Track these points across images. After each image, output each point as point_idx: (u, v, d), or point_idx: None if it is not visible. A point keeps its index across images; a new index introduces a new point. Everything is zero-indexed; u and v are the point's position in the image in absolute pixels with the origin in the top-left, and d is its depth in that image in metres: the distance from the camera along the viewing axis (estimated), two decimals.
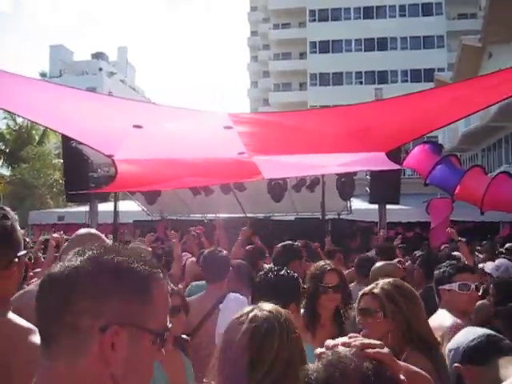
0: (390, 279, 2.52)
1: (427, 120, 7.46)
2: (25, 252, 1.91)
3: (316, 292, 3.22)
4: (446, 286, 3.03)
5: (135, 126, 7.25)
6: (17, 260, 1.82)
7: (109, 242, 2.76)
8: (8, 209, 1.91)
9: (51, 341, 1.07)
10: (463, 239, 6.70)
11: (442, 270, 3.12)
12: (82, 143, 8.96)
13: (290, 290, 2.74)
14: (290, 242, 5.25)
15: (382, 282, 2.49)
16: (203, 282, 4.68)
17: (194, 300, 4.13)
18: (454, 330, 2.62)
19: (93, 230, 2.85)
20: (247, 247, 6.53)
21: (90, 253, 1.11)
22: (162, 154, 7.69)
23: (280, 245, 5.14)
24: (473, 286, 2.99)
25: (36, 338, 1.40)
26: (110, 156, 7.62)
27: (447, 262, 3.35)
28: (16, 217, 1.91)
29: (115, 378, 1.05)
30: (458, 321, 2.83)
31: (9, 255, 1.80)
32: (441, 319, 2.89)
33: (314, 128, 7.70)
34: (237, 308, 3.67)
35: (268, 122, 8.20)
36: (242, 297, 3.88)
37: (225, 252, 4.58)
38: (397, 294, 2.40)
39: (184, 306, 3.10)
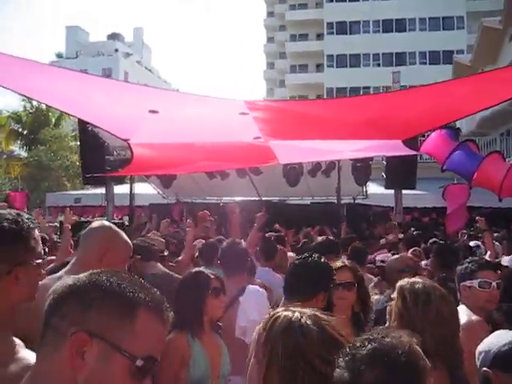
0: (414, 284, 2.42)
1: (446, 110, 7.37)
2: (39, 261, 1.73)
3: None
4: (467, 283, 3.02)
5: (151, 111, 7.27)
6: (18, 269, 1.64)
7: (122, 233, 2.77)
8: (26, 215, 1.77)
9: (41, 341, 1.17)
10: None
11: (464, 265, 3.12)
12: (97, 127, 9.00)
13: (320, 279, 2.79)
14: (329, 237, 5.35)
15: (402, 284, 2.44)
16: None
17: None
18: (466, 328, 2.62)
19: (106, 224, 2.84)
20: (267, 234, 6.52)
21: (94, 271, 1.21)
22: (177, 138, 7.71)
23: (320, 239, 5.25)
24: (494, 284, 2.97)
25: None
26: (125, 140, 7.66)
27: (470, 258, 3.34)
28: (33, 224, 1.74)
29: None
30: (474, 317, 2.82)
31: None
32: None
33: (331, 116, 7.66)
34: (256, 301, 3.71)
35: (284, 109, 8.17)
36: (260, 289, 3.91)
37: (243, 243, 4.58)
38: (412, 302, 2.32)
39: (223, 289, 3.19)
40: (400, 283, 2.45)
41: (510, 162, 9.36)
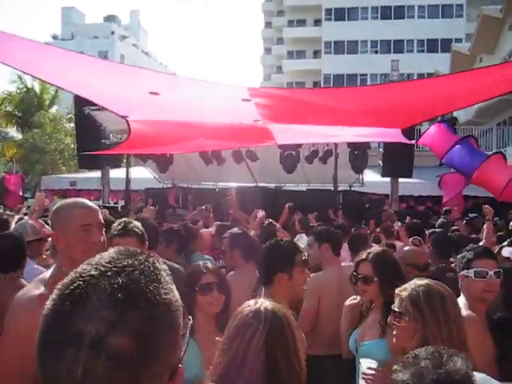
0: (425, 283, 2.35)
1: (444, 103, 7.37)
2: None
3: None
4: (464, 272, 2.98)
5: (152, 93, 7.23)
6: None
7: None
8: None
9: None
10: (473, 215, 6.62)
11: (462, 254, 3.08)
12: (95, 104, 8.96)
13: (274, 261, 2.97)
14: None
15: (413, 284, 2.37)
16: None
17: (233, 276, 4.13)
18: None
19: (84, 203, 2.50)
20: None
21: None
22: (177, 117, 7.71)
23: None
24: (491, 273, 2.88)
25: None
26: (124, 117, 7.64)
27: (470, 245, 3.30)
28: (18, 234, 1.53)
29: None
30: (465, 313, 2.70)
31: None
32: None
33: (332, 105, 7.66)
34: None
35: (285, 97, 8.16)
36: None
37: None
38: (424, 302, 2.26)
39: (219, 283, 2.98)
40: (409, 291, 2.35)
41: None
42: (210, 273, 2.99)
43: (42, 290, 2.21)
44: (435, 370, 1.27)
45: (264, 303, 1.91)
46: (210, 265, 3.10)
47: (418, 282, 2.36)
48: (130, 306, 0.81)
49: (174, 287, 0.93)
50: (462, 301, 2.83)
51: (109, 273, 0.84)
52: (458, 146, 9.17)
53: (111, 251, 0.91)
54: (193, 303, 2.85)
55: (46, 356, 0.81)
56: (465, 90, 7.00)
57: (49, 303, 0.84)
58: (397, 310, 2.33)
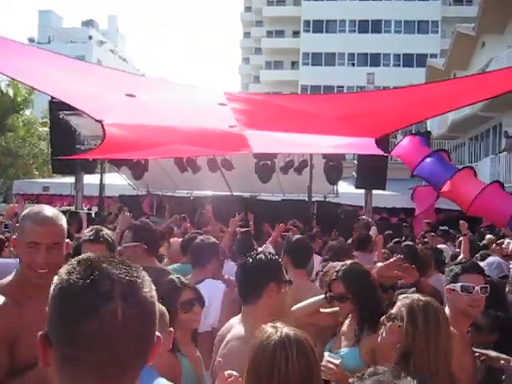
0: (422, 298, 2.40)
1: (417, 110, 7.50)
2: None
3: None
4: (451, 286, 2.97)
5: (128, 95, 7.20)
6: None
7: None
8: None
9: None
10: (448, 231, 6.72)
11: (450, 268, 3.09)
12: (71, 108, 8.87)
13: (261, 275, 2.79)
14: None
15: (416, 296, 2.43)
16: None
17: None
18: None
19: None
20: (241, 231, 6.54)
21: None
22: (152, 121, 7.67)
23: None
24: (477, 288, 2.90)
25: None
26: (99, 121, 7.58)
27: (459, 259, 3.35)
28: None
29: None
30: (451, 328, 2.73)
31: None
32: None
33: (308, 111, 7.72)
34: (209, 292, 3.71)
35: (262, 102, 8.22)
36: (219, 282, 3.95)
37: (212, 238, 4.62)
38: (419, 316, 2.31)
39: (198, 298, 2.95)
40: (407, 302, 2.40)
41: (483, 182, 9.42)
42: (187, 288, 2.93)
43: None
44: (394, 380, 1.29)
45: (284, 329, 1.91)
46: (183, 279, 3.01)
47: (420, 296, 2.42)
48: (138, 277, 1.09)
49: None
50: None
51: (110, 259, 1.10)
52: (429, 158, 9.31)
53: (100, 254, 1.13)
54: (173, 321, 2.60)
55: (76, 319, 1.01)
56: (439, 98, 7.13)
57: (66, 280, 1.05)
58: (393, 312, 2.37)
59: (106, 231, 3.32)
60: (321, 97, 8.29)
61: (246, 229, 6.72)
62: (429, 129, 23.87)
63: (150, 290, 1.09)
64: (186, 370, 2.72)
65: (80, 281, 1.03)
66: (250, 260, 2.85)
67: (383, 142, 8.49)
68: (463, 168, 9.97)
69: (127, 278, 1.06)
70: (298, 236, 4.77)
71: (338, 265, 3.55)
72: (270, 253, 3.16)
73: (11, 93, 32.96)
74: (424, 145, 10.04)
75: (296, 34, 54.33)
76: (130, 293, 1.04)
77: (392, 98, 7.68)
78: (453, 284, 2.98)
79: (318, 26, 51.36)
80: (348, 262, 3.49)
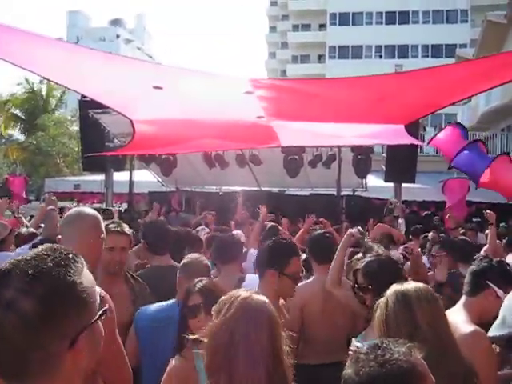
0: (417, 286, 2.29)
1: (447, 93, 7.36)
2: None
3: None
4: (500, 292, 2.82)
5: (155, 87, 7.24)
6: None
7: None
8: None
9: (25, 375, 1.10)
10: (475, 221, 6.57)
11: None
12: (100, 107, 8.99)
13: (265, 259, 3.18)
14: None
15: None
16: None
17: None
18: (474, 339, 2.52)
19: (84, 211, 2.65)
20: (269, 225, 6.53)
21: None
22: (181, 114, 7.71)
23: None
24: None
25: None
26: (129, 117, 7.67)
27: (485, 249, 3.24)
28: None
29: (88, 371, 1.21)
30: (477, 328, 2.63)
31: None
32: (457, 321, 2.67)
33: (334, 96, 7.63)
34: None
35: (288, 88, 8.14)
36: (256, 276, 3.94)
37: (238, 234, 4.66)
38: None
39: (207, 304, 2.49)
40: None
41: None
42: (197, 293, 2.69)
43: None
44: (371, 363, 1.31)
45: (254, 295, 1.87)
46: (201, 283, 2.74)
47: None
48: (37, 280, 1.09)
49: (84, 274, 1.19)
50: (463, 317, 2.77)
51: (28, 258, 1.14)
52: (466, 150, 9.14)
53: (42, 247, 1.20)
54: (185, 327, 2.59)
55: None
56: (466, 79, 6.97)
57: None
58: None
59: (125, 225, 3.50)
60: (346, 80, 8.13)
61: (273, 223, 6.70)
62: (459, 120, 23.48)
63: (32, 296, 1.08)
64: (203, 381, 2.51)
65: None
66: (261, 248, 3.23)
67: (413, 129, 8.35)
68: (498, 155, 9.80)
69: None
70: (318, 231, 4.72)
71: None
72: (280, 241, 3.32)
73: (44, 92, 33.52)
74: (463, 136, 9.88)
75: (322, 27, 53.96)
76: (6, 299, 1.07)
77: (420, 81, 7.52)
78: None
79: (345, 19, 50.89)
80: (375, 253, 3.45)
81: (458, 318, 2.71)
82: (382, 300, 2.23)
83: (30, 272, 1.10)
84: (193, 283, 2.75)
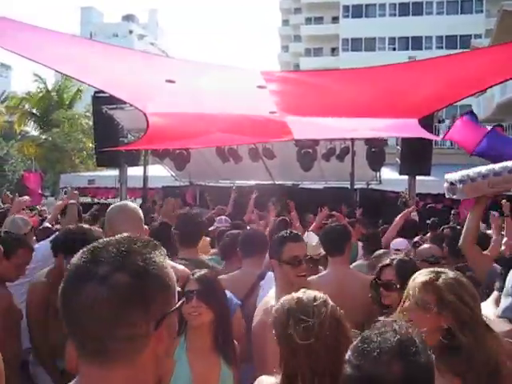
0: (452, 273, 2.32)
1: (462, 86, 7.26)
2: None
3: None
4: None
5: (168, 81, 7.25)
6: None
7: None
8: None
9: (108, 353, 1.11)
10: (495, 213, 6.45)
11: None
12: (114, 97, 9.02)
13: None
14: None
15: (444, 273, 2.32)
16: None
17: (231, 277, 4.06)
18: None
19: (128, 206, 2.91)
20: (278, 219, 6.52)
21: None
22: (194, 108, 7.70)
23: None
24: None
25: None
26: (142, 110, 7.68)
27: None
28: None
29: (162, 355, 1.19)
30: None
31: None
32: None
33: (347, 89, 7.57)
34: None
35: (300, 81, 8.10)
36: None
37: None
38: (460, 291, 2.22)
39: (202, 291, 2.71)
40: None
41: None
42: (193, 280, 2.74)
43: None
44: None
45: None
46: (200, 272, 2.84)
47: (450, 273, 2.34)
48: (130, 256, 1.12)
49: (166, 263, 1.20)
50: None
51: (117, 239, 1.18)
52: (487, 137, 8.98)
53: (123, 235, 1.21)
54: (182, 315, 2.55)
55: (71, 294, 1.11)
56: (482, 70, 6.87)
57: (74, 259, 1.15)
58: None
59: None
60: (358, 71, 8.05)
61: (283, 217, 6.69)
62: (474, 111, 23.20)
63: (130, 275, 1.10)
64: (178, 372, 2.60)
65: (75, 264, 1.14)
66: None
67: (427, 123, 8.25)
68: None
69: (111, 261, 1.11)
70: (329, 225, 4.71)
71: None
72: (278, 232, 3.38)
73: (58, 87, 33.66)
74: (475, 122, 9.72)
75: (335, 19, 53.63)
76: (105, 276, 1.09)
77: (434, 73, 7.42)
78: None
79: (358, 11, 50.53)
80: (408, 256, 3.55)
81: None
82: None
83: (123, 249, 1.13)
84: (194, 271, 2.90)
